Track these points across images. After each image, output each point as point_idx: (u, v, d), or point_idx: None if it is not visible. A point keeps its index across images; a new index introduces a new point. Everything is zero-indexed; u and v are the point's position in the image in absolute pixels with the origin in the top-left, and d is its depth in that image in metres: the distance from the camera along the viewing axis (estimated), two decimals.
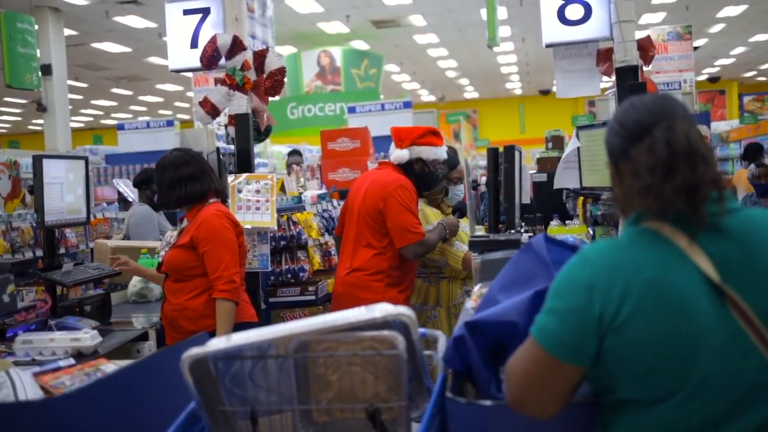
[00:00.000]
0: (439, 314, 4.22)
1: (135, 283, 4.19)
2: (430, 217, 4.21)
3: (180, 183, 3.49)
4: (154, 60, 17.97)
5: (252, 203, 4.30)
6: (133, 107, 26.68)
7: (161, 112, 27.64)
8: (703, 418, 1.43)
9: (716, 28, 18.32)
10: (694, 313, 1.41)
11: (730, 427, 1.43)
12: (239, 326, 3.42)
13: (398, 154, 3.99)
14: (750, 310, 1.41)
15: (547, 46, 4.75)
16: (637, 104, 1.56)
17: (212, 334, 3.36)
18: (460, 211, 4.34)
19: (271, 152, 16.04)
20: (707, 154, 1.47)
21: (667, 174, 1.44)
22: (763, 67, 25.01)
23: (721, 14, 16.87)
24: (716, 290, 1.42)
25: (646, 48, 4.53)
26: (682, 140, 1.46)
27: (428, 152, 4.03)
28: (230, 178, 4.34)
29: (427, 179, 4.11)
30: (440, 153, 4.08)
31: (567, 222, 4.45)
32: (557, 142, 9.33)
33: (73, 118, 22.73)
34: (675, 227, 1.46)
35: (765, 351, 1.41)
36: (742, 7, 16.27)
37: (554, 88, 4.99)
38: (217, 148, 4.66)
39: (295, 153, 10.53)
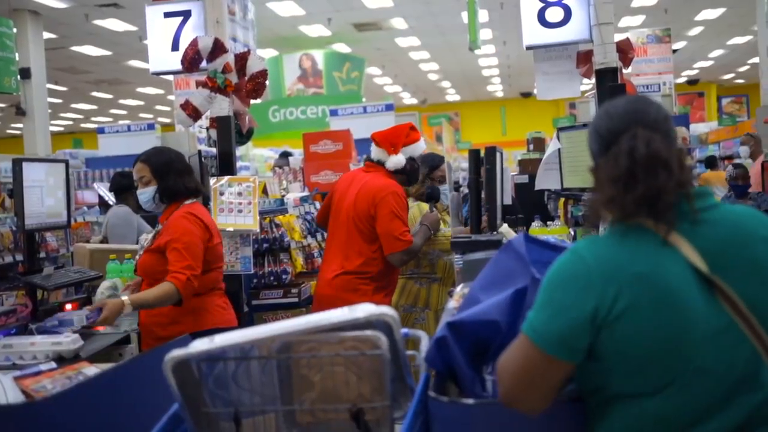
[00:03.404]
0: (427, 317, 4.24)
1: (103, 290, 4.07)
2: (424, 208, 4.24)
3: (182, 174, 3.49)
4: (135, 63, 17.86)
5: (234, 206, 4.29)
6: (113, 111, 26.49)
7: (142, 115, 27.47)
8: (696, 408, 1.45)
9: (695, 31, 18.49)
10: (686, 306, 1.44)
11: (720, 417, 1.45)
12: (216, 332, 3.39)
13: (396, 161, 3.96)
14: (740, 300, 1.45)
15: (528, 48, 4.78)
16: (611, 111, 1.59)
17: (193, 336, 3.34)
18: (434, 198, 4.35)
19: (253, 155, 15.99)
20: (670, 159, 1.49)
21: (628, 185, 1.48)
22: (741, 69, 25.27)
23: (699, 17, 17.03)
24: (706, 282, 1.45)
25: (625, 50, 4.57)
26: (642, 149, 1.49)
27: (416, 149, 4.05)
28: (212, 181, 4.33)
29: (415, 174, 4.14)
30: (423, 146, 4.12)
31: (548, 223, 4.49)
32: (538, 144, 9.39)
33: (53, 121, 22.58)
34: (660, 223, 1.49)
35: (755, 341, 1.45)
36: (720, 11, 16.43)
37: (535, 91, 5.02)
38: (199, 151, 4.65)
39: (283, 155, 10.48)
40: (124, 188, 5.64)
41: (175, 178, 3.47)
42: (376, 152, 4.04)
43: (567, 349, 1.46)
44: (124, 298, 3.24)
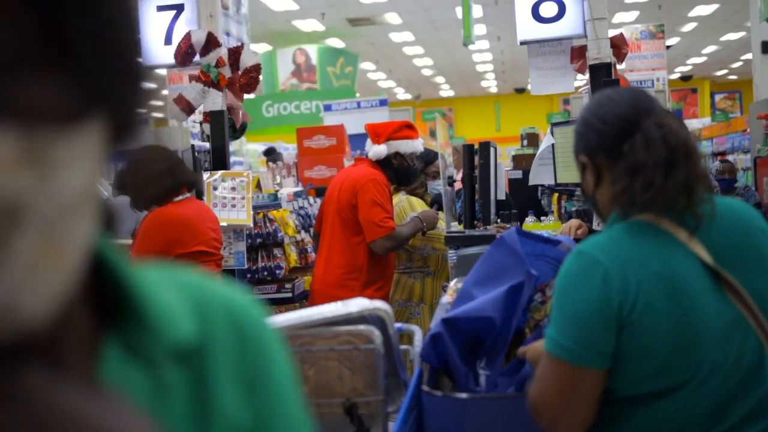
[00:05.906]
0: (422, 311, 4.24)
1: None
2: (416, 206, 4.23)
3: (153, 180, 3.44)
4: None
5: (228, 200, 4.28)
6: None
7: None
8: (706, 406, 1.42)
9: (688, 27, 18.52)
10: (700, 301, 1.40)
11: (729, 412, 1.43)
12: None
13: (376, 150, 3.99)
14: (745, 292, 1.43)
15: (522, 43, 4.78)
16: (615, 98, 1.52)
17: None
18: (438, 203, 4.36)
19: (246, 150, 15.94)
20: (698, 149, 1.47)
21: (669, 171, 1.41)
22: (734, 65, 25.32)
23: (692, 13, 17.05)
24: (713, 276, 1.42)
25: (618, 45, 4.58)
26: (677, 136, 1.44)
27: (405, 146, 4.05)
28: (205, 176, 4.33)
29: (406, 173, 4.13)
30: (417, 146, 4.10)
31: (542, 218, 4.49)
32: (532, 140, 9.39)
33: None
34: (667, 218, 1.45)
35: (761, 333, 1.43)
36: (714, 7, 16.46)
37: (529, 86, 5.03)
38: (192, 146, 4.64)
39: (267, 152, 10.54)
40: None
41: (137, 193, 3.46)
42: (366, 143, 4.12)
43: (598, 355, 1.39)
44: None
